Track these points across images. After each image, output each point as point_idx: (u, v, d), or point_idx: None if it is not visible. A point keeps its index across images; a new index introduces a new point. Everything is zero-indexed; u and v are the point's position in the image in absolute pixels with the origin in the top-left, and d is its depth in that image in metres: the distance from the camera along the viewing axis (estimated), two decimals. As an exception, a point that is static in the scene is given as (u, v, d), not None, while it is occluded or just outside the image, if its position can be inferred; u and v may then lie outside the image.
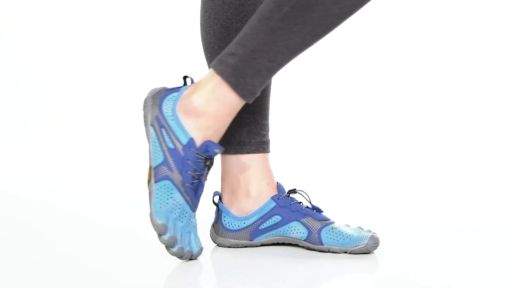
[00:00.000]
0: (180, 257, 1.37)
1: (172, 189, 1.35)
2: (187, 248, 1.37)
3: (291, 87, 2.65)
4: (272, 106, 1.60)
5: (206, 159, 1.37)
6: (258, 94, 1.37)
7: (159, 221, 1.33)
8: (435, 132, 2.57)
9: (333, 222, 1.50)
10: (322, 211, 1.52)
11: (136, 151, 2.50)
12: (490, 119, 2.60)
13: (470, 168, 2.36)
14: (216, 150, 1.37)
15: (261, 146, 1.52)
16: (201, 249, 1.41)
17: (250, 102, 1.37)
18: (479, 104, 2.64)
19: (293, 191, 1.52)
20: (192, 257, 1.39)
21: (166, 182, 1.35)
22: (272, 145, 1.56)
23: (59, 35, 2.80)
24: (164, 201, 1.35)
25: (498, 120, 2.59)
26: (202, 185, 1.38)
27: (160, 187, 1.35)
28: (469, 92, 2.66)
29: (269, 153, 1.54)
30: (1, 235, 1.65)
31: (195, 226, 1.40)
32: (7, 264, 1.41)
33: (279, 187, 1.52)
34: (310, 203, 1.52)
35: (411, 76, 2.72)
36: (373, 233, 1.48)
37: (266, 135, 1.54)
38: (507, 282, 1.33)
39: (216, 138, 1.38)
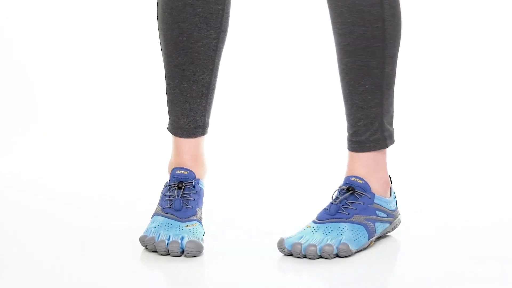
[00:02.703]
0: (163, 250, 1.46)
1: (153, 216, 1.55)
2: (174, 239, 1.46)
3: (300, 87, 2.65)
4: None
5: (178, 184, 1.57)
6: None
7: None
8: (434, 132, 2.57)
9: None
10: None
11: (136, 151, 2.50)
12: (490, 119, 2.59)
13: (469, 168, 2.35)
14: (178, 171, 1.57)
15: None
16: (194, 242, 1.46)
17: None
18: (479, 104, 2.63)
19: None
20: (186, 251, 1.45)
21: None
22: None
23: (57, 34, 2.79)
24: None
25: (498, 120, 2.58)
26: (178, 199, 1.53)
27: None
28: (468, 92, 2.65)
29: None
30: (3, 234, 1.66)
31: (188, 231, 1.50)
32: (8, 263, 1.41)
33: None
34: None
35: (410, 77, 2.71)
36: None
37: None
38: (506, 282, 1.33)
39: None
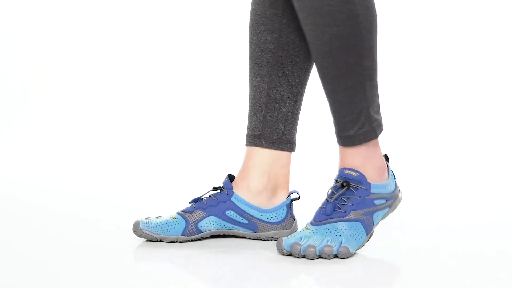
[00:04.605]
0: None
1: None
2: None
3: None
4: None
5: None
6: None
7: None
8: (434, 133, 2.57)
9: None
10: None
11: (133, 152, 2.50)
12: (491, 119, 2.59)
13: (470, 166, 2.35)
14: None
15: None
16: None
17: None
18: (480, 104, 2.63)
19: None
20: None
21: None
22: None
23: (56, 33, 2.79)
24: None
25: (498, 120, 2.58)
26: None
27: None
28: (470, 92, 2.65)
29: None
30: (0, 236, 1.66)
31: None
32: (6, 264, 1.41)
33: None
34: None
35: (411, 77, 2.71)
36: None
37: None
38: (506, 282, 1.33)
39: None
